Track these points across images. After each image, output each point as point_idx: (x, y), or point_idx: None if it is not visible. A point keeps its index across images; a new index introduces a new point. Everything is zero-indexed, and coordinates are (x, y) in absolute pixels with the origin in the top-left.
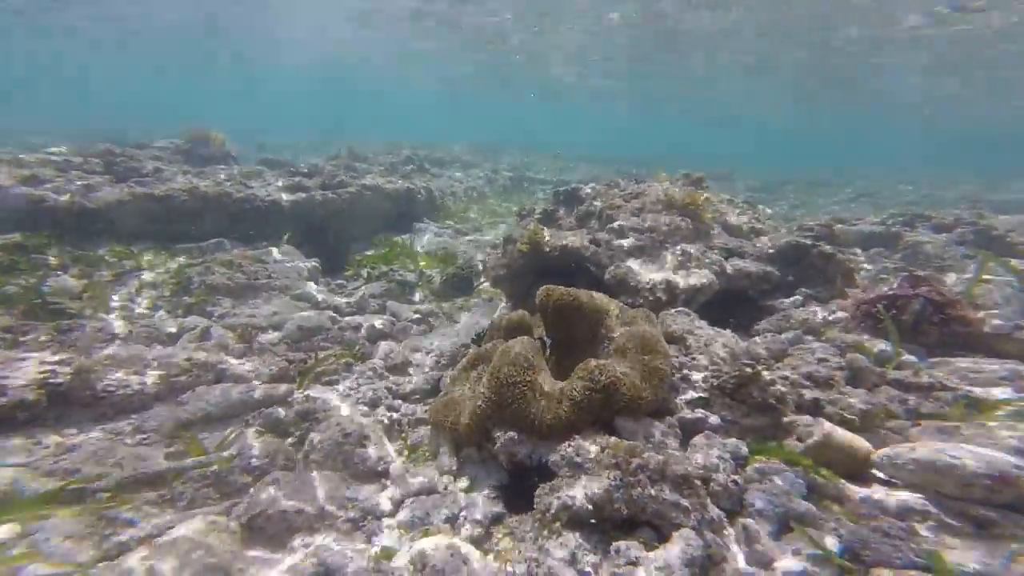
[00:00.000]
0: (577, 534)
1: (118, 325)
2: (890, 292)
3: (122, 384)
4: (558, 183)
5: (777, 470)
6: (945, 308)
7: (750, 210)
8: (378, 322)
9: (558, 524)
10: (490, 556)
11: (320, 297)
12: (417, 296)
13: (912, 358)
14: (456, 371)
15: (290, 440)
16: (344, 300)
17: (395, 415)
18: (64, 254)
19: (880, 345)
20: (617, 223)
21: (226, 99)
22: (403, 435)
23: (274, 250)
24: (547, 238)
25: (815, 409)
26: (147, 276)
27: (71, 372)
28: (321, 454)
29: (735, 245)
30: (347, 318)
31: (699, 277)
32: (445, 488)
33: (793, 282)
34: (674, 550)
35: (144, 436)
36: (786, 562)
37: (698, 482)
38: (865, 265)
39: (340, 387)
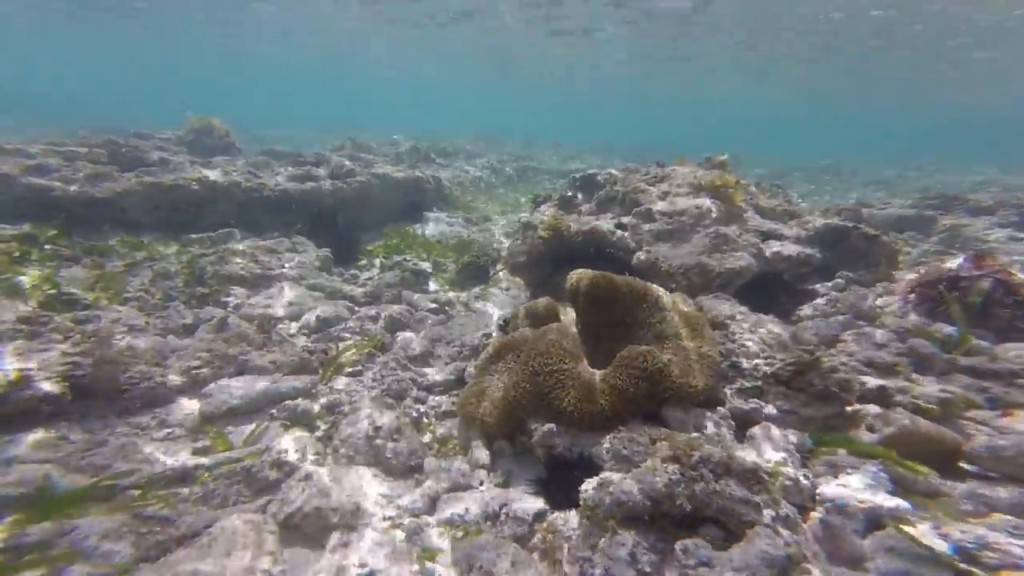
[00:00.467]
0: (634, 532)
1: (134, 316)
2: (952, 273)
3: (145, 376)
4: (563, 172)
5: (853, 463)
6: (1018, 290)
7: (780, 193)
8: (396, 312)
9: (612, 522)
10: (535, 555)
11: (335, 287)
12: (432, 285)
13: (983, 343)
14: (482, 361)
15: (318, 433)
16: (359, 290)
17: (422, 407)
18: (74, 245)
19: (946, 329)
20: (644, 206)
21: (220, 89)
22: (431, 428)
23: (286, 240)
24: (569, 223)
25: (882, 398)
26: (159, 266)
27: (93, 364)
28: (352, 448)
29: (770, 228)
30: (364, 308)
31: (736, 260)
32: (481, 484)
33: (831, 265)
34: (752, 550)
35: (169, 431)
36: (881, 562)
37: (767, 476)
38: (905, 248)
39: (365, 378)
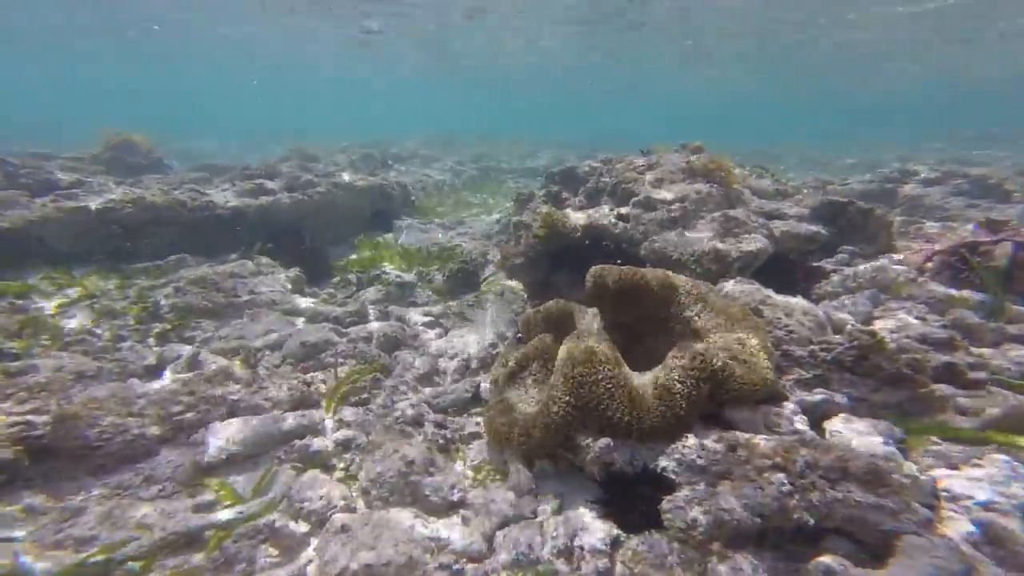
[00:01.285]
0: (748, 554)
1: (81, 362)
2: (970, 239)
3: (119, 429)
4: (526, 170)
5: (964, 453)
6: None
7: (766, 174)
8: (389, 330)
9: (717, 544)
10: None
11: (314, 309)
12: (420, 297)
13: (1020, 308)
14: (501, 375)
15: (338, 474)
16: (342, 310)
17: (446, 432)
18: None
19: (976, 296)
20: (643, 195)
21: (129, 100)
22: (460, 454)
23: (248, 262)
24: (564, 219)
25: (951, 375)
26: (102, 303)
27: (52, 421)
28: (386, 489)
29: (771, 207)
30: (352, 329)
31: (752, 242)
32: (533, 513)
33: (831, 241)
34: (919, 565)
35: (160, 488)
36: None
37: (896, 477)
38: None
39: (373, 406)
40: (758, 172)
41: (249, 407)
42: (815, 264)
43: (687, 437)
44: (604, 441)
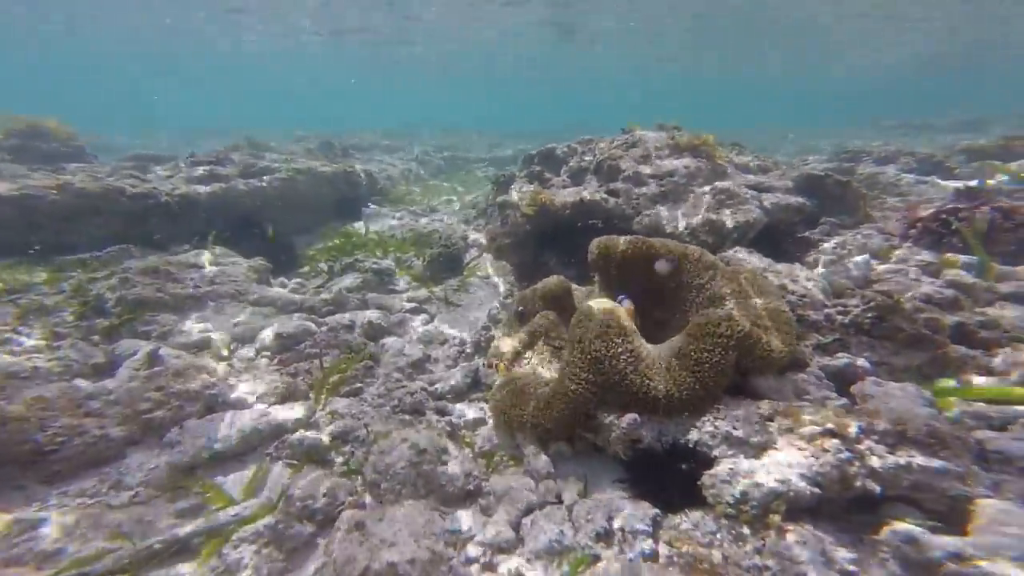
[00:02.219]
0: (809, 527)
1: (11, 361)
2: (950, 206)
3: (75, 431)
4: (492, 159)
5: (1004, 413)
6: (1016, 212)
7: (745, 150)
8: (373, 317)
9: (775, 517)
10: (677, 571)
11: (286, 299)
12: (400, 283)
13: (1004, 267)
14: (504, 356)
15: (338, 469)
16: (318, 299)
17: (451, 418)
18: None
19: (963, 258)
20: (631, 171)
21: (34, 89)
22: (468, 440)
23: (205, 252)
24: (553, 198)
25: (964, 335)
26: (28, 299)
27: None
28: (397, 481)
29: (757, 181)
30: (331, 318)
31: (747, 213)
32: (558, 497)
33: (812, 212)
34: (1009, 532)
35: (134, 493)
36: None
37: (957, 438)
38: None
39: (367, 395)
40: (737, 149)
41: (230, 402)
42: (801, 235)
43: (718, 409)
44: (631, 417)
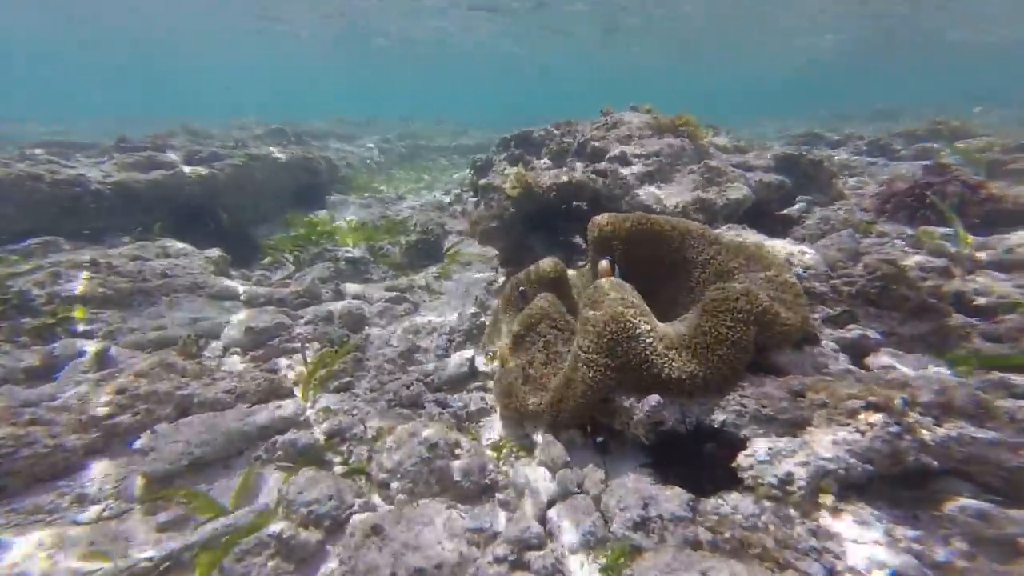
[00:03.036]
0: (863, 506)
1: None
2: (921, 181)
3: (21, 442)
4: (456, 148)
5: None
6: (980, 187)
7: (721, 132)
8: (353, 307)
9: (829, 496)
10: (723, 557)
11: (252, 291)
12: (375, 272)
13: (979, 238)
14: (505, 343)
15: (338, 469)
16: (286, 291)
17: (453, 410)
18: None
19: (939, 230)
20: (618, 150)
21: None
22: (473, 432)
23: (149, 244)
24: (538, 179)
25: (959, 303)
26: None
27: None
28: (408, 479)
29: (738, 160)
30: (306, 310)
31: (736, 190)
32: (580, 487)
33: (788, 191)
34: None
35: (103, 507)
36: None
37: (1003, 409)
38: None
39: (360, 390)
40: (713, 130)
41: (207, 402)
42: (780, 212)
43: (742, 387)
44: (654, 399)
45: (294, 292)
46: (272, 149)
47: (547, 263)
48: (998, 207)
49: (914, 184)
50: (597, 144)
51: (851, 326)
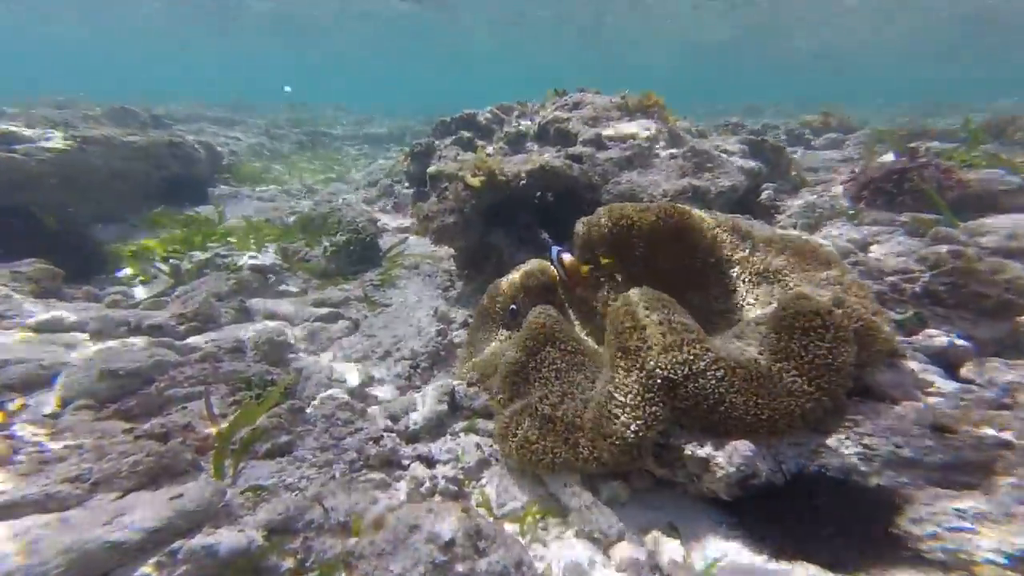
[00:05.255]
0: None
1: None
2: (897, 167)
3: None
4: (364, 137)
5: None
6: (951, 173)
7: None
8: (273, 332)
9: None
10: None
11: (104, 317)
12: (293, 283)
13: (969, 223)
14: (503, 372)
15: None
16: (169, 313)
17: (445, 470)
18: None
19: (922, 215)
20: (591, 133)
21: None
22: (481, 497)
23: None
24: (503, 165)
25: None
26: None
27: None
28: None
29: (709, 145)
30: (198, 339)
31: (729, 177)
32: (656, 570)
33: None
34: None
35: None
36: None
37: None
38: None
39: (302, 452)
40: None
41: (29, 504)
42: (759, 200)
43: (853, 420)
44: (745, 448)
45: (178, 315)
46: (118, 132)
47: (534, 267)
48: (967, 192)
49: (890, 170)
50: (561, 126)
51: (929, 331)
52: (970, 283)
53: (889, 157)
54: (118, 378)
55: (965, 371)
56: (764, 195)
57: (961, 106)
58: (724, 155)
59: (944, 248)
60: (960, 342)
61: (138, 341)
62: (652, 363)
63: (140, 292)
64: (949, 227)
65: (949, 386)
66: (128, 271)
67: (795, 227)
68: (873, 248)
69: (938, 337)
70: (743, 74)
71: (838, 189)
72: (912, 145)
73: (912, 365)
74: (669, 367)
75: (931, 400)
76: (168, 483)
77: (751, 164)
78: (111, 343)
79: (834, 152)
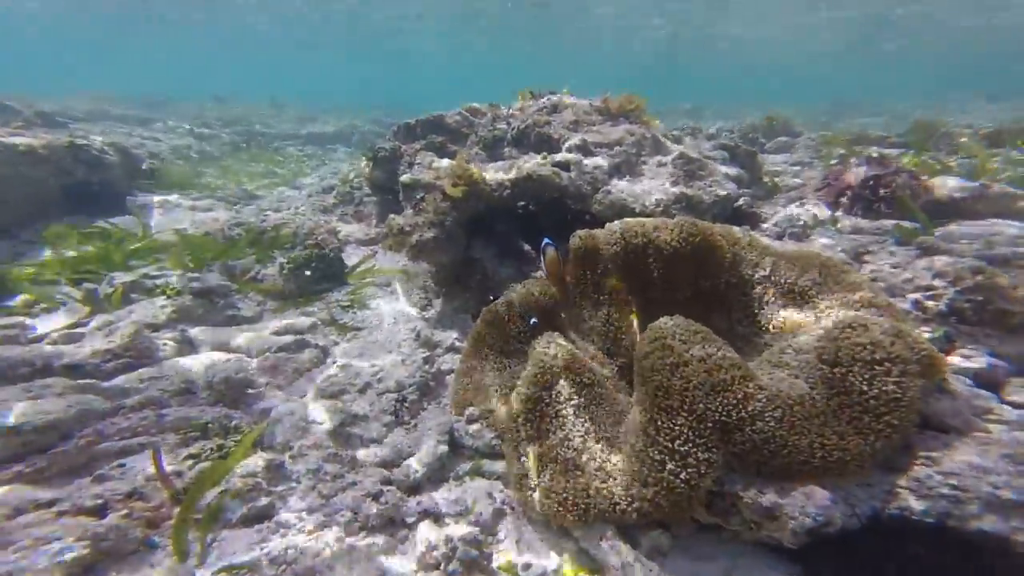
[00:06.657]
0: None
1: None
2: (871, 174)
3: None
4: (307, 137)
5: None
6: (916, 180)
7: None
8: (231, 369)
9: None
10: None
11: (8, 357)
12: (246, 307)
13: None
14: (520, 411)
15: None
16: (92, 348)
17: (461, 529)
18: None
19: (904, 223)
20: (577, 138)
21: None
22: (499, 561)
23: None
24: (484, 175)
25: None
26: None
27: None
28: None
29: (697, 152)
30: (130, 377)
31: (722, 186)
32: None
33: None
34: None
35: None
36: None
37: None
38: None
39: (286, 516)
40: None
41: None
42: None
43: (927, 457)
44: (822, 497)
45: (102, 351)
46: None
47: (534, 286)
48: (933, 198)
49: (865, 177)
50: (542, 131)
51: (964, 351)
52: (995, 299)
53: (863, 166)
54: (29, 435)
55: (1012, 394)
56: (742, 201)
57: (862, 108)
58: (712, 162)
59: (967, 263)
60: (997, 362)
61: (50, 385)
62: (702, 405)
63: (42, 324)
64: (925, 234)
65: (1011, 413)
66: (23, 297)
67: (783, 237)
68: (867, 258)
69: (975, 357)
70: (672, 73)
71: (811, 196)
72: (875, 153)
73: (968, 391)
74: (722, 410)
75: (994, 428)
76: (110, 570)
77: (735, 171)
78: (9, 387)
79: (786, 155)
